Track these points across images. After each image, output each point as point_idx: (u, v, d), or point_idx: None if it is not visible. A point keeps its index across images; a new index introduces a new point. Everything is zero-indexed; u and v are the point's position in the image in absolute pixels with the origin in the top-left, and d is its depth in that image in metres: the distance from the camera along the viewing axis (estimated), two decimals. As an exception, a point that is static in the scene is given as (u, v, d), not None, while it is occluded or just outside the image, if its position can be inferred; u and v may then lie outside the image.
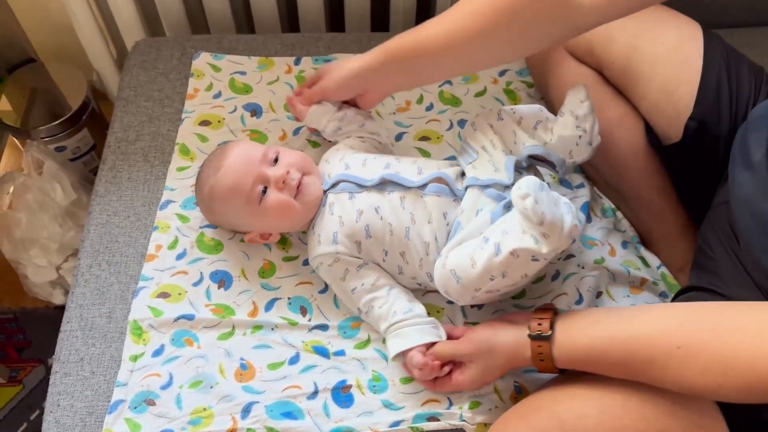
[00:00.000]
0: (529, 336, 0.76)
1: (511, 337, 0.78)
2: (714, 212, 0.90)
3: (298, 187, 0.90)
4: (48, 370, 1.35)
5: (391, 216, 0.88)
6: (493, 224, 0.81)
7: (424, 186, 0.89)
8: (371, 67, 0.91)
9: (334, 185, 0.92)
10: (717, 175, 0.90)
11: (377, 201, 0.89)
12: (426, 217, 0.88)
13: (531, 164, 0.91)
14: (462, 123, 1.11)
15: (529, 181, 0.73)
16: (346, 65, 0.94)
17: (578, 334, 0.74)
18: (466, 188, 0.88)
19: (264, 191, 0.89)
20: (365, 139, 1.01)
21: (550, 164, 0.89)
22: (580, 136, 0.87)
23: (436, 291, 0.88)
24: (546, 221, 0.73)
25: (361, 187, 0.90)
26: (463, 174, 0.92)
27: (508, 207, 0.83)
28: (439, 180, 0.89)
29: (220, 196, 0.91)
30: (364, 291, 0.88)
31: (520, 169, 0.89)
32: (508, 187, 0.86)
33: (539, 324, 0.76)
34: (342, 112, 0.99)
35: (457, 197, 0.89)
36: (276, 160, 0.92)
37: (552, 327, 0.75)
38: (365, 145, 1.00)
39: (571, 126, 0.87)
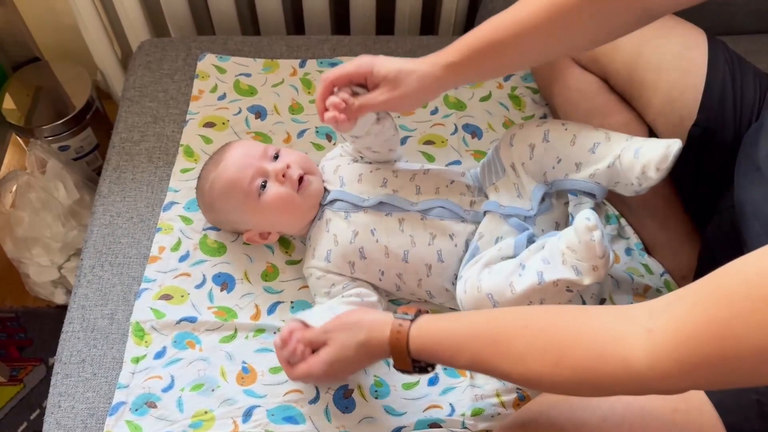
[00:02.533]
0: (395, 315, 0.76)
1: (379, 316, 0.78)
2: (719, 218, 0.90)
3: (300, 182, 0.89)
4: (49, 369, 1.35)
5: (388, 239, 0.87)
6: (526, 250, 0.81)
7: (426, 210, 0.88)
8: (447, 75, 0.82)
9: (331, 202, 0.91)
10: (721, 182, 0.90)
11: (373, 222, 0.88)
12: (427, 239, 0.87)
13: (558, 193, 0.89)
14: (466, 127, 1.11)
15: (595, 213, 0.74)
16: (421, 80, 0.81)
17: (437, 320, 0.74)
18: (485, 213, 0.87)
19: (263, 186, 0.89)
20: (372, 152, 0.93)
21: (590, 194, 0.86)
22: (631, 183, 0.81)
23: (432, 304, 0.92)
24: (606, 255, 0.74)
25: (358, 207, 0.90)
26: (480, 189, 0.91)
27: (531, 239, 0.83)
28: (441, 207, 0.88)
29: (219, 191, 0.91)
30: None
31: (544, 196, 0.87)
32: (529, 218, 0.85)
33: (405, 312, 0.76)
34: (380, 125, 0.88)
35: (465, 219, 0.88)
36: (276, 158, 0.91)
37: (417, 315, 0.75)
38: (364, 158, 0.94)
39: (636, 173, 0.79)
